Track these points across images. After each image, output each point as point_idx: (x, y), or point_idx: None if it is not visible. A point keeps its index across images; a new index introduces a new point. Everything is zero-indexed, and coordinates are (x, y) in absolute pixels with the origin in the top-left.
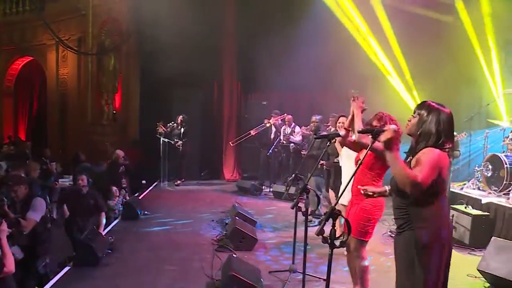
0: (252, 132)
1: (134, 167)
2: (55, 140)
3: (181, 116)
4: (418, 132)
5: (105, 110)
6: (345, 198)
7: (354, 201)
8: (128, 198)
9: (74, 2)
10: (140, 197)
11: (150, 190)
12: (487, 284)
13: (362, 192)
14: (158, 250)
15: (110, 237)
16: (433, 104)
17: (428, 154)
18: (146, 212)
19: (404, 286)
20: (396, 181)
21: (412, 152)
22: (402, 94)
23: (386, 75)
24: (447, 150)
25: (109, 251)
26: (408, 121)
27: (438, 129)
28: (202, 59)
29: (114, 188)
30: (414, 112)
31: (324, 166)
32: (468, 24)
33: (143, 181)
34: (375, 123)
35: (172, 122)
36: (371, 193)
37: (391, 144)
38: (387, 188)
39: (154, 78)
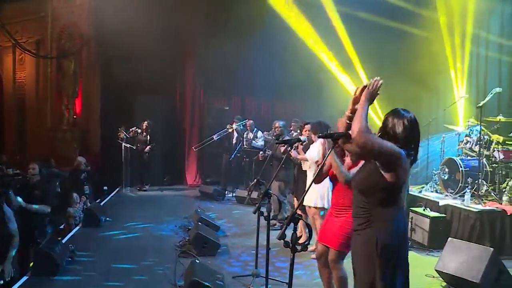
0: (215, 137)
1: (96, 173)
2: (12, 145)
3: (146, 122)
4: (385, 137)
5: (65, 115)
6: (308, 199)
7: (336, 214)
8: (89, 204)
9: (33, 3)
10: (102, 203)
11: (112, 196)
12: (444, 283)
13: None
14: (120, 256)
15: (70, 245)
16: (399, 110)
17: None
18: (107, 219)
19: (363, 284)
20: (358, 180)
21: None
22: None
23: (344, 83)
24: (411, 153)
25: (70, 259)
26: None
27: (401, 133)
28: (164, 64)
29: (75, 195)
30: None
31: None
32: (434, 30)
33: (105, 187)
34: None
35: (135, 128)
36: None
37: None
38: None
39: (115, 82)
